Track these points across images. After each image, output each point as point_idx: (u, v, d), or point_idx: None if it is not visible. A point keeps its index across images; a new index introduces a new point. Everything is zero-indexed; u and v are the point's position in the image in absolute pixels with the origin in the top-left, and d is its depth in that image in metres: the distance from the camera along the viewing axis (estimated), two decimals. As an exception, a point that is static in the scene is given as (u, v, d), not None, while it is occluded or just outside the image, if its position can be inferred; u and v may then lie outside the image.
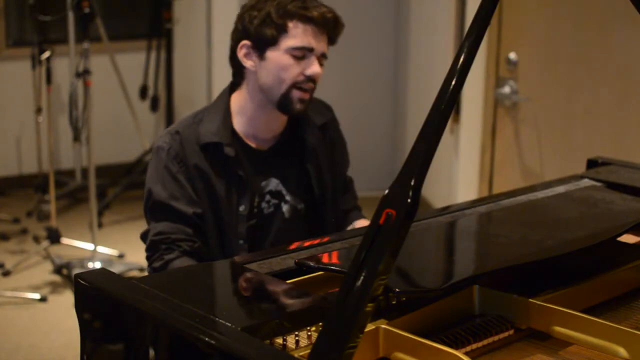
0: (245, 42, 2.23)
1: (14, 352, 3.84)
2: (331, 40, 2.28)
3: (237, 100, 2.31)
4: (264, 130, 2.30)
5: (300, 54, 2.21)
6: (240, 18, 2.26)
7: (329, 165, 2.40)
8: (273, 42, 2.20)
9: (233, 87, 2.34)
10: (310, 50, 2.21)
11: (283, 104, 2.24)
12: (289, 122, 2.34)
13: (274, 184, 2.32)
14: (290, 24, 2.19)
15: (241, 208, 2.25)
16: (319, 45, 2.23)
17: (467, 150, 4.27)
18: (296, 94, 2.23)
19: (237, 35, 2.26)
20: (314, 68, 2.22)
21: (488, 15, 1.32)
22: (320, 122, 2.39)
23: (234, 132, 2.28)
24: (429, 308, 1.50)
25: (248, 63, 2.25)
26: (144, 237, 2.27)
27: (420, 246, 1.77)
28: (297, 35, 2.20)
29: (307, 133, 2.35)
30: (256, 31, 2.21)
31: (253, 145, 2.30)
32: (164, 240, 2.18)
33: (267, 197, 2.30)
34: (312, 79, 2.23)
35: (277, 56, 2.21)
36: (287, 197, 2.32)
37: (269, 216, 2.31)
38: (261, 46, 2.22)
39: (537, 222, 1.97)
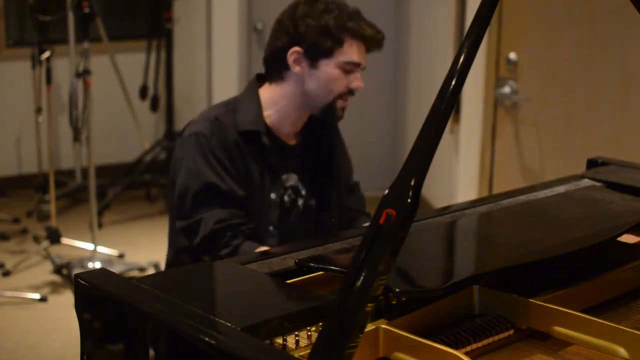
0: (298, 48, 2.32)
1: (14, 352, 3.84)
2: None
3: (268, 94, 2.39)
4: (289, 126, 2.40)
5: (350, 68, 2.33)
6: (293, 23, 2.33)
7: (339, 166, 2.51)
8: (328, 53, 2.31)
9: (259, 80, 2.43)
10: (358, 65, 2.34)
11: (327, 111, 2.37)
12: (307, 122, 2.45)
13: (293, 178, 2.41)
14: (347, 40, 2.32)
15: (272, 195, 2.34)
16: (364, 61, 2.37)
17: (467, 150, 4.28)
18: (340, 103, 2.37)
19: (289, 39, 2.34)
20: (358, 83, 2.37)
21: (488, 15, 1.32)
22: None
23: (265, 124, 2.37)
24: (429, 308, 1.50)
25: (296, 68, 2.34)
26: (192, 228, 2.26)
27: (420, 246, 1.77)
28: (351, 51, 2.33)
29: (324, 134, 2.46)
30: (313, 40, 2.31)
31: (281, 138, 2.40)
32: (227, 228, 2.23)
33: (289, 191, 2.39)
34: (351, 92, 2.37)
35: (329, 68, 2.32)
36: (303, 192, 2.42)
37: (288, 209, 2.39)
38: (314, 55, 2.32)
39: (537, 222, 1.97)
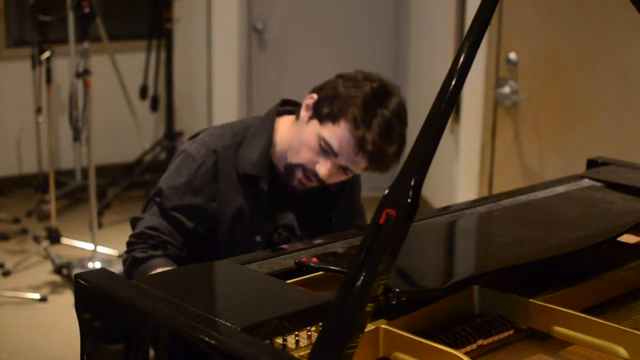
0: (315, 95, 2.19)
1: (14, 352, 3.84)
2: (370, 169, 2.20)
3: (284, 128, 2.27)
4: None
5: (326, 148, 2.14)
6: (336, 77, 2.19)
7: (345, 204, 2.39)
8: (321, 119, 2.14)
9: (282, 107, 2.31)
10: (334, 155, 2.14)
11: (287, 171, 2.22)
12: None
13: (289, 218, 2.31)
14: (343, 122, 2.11)
15: (258, 238, 2.24)
16: (348, 160, 2.14)
17: (467, 150, 4.28)
18: (299, 174, 2.19)
19: (318, 86, 2.21)
20: (322, 169, 2.15)
21: (488, 15, 1.32)
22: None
23: (270, 164, 2.25)
24: (429, 308, 1.50)
25: (303, 113, 2.21)
26: (134, 222, 2.23)
27: (420, 246, 1.77)
28: (338, 136, 2.12)
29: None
30: (323, 98, 2.16)
31: (283, 181, 2.27)
32: (155, 237, 2.16)
33: (280, 229, 2.30)
34: (316, 175, 2.17)
35: (312, 131, 2.15)
36: (298, 232, 2.32)
37: None
38: (315, 111, 2.17)
39: (537, 222, 1.97)
